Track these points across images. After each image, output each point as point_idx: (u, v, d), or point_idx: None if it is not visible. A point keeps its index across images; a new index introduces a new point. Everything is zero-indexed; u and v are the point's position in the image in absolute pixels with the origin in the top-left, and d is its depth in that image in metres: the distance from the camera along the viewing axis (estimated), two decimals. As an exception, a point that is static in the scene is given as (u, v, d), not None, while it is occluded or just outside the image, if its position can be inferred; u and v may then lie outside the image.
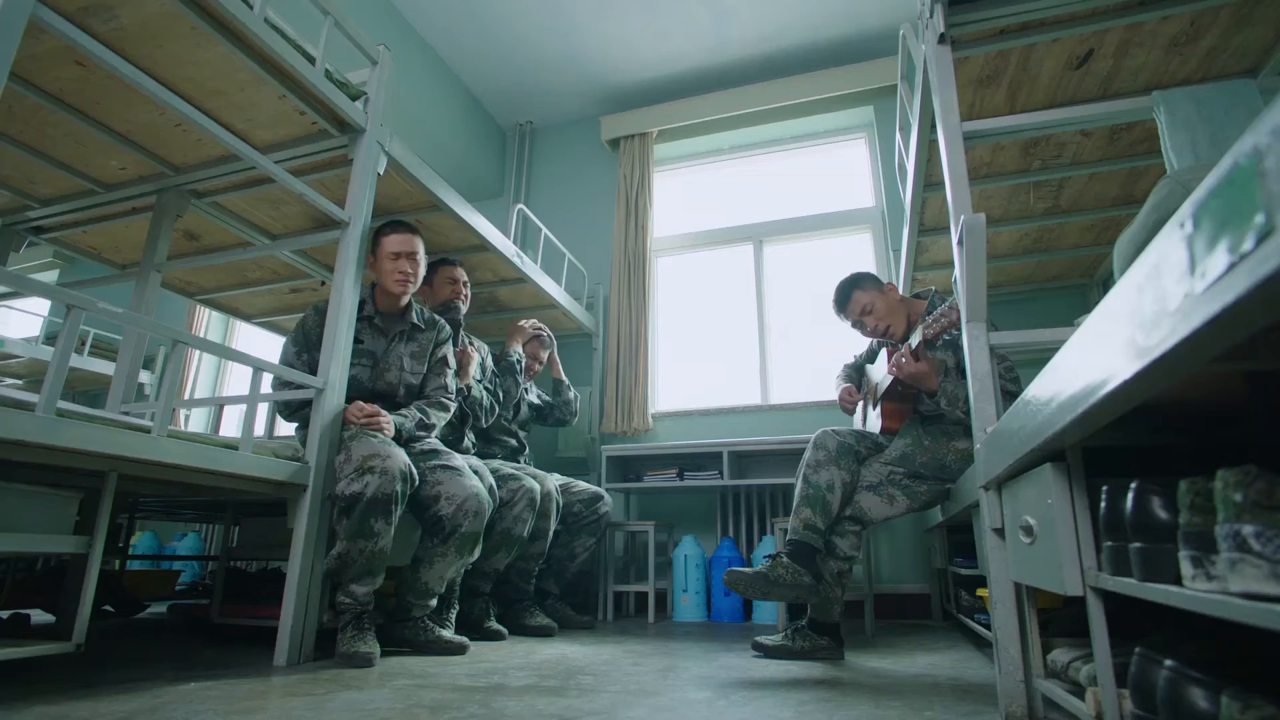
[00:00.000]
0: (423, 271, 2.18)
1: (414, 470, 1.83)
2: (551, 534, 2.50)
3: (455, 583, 2.09)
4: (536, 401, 3.12)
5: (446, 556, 1.88)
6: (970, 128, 1.48)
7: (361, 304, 2.07)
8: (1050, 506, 0.86)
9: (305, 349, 2.00)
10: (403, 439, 1.99)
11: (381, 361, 2.10)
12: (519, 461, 2.85)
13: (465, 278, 2.59)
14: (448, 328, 2.29)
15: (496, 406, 2.67)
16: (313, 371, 1.93)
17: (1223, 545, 0.53)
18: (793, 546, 1.81)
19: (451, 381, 2.24)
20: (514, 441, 2.89)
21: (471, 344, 2.67)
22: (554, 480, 2.62)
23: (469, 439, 2.57)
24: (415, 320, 2.19)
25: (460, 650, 1.85)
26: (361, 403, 1.93)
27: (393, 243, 2.09)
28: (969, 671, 1.63)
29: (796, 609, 2.76)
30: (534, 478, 2.46)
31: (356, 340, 2.04)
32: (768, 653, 1.88)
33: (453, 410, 2.22)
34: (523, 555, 2.44)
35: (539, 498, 2.34)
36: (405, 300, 2.15)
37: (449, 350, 2.26)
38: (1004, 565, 1.18)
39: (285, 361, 1.99)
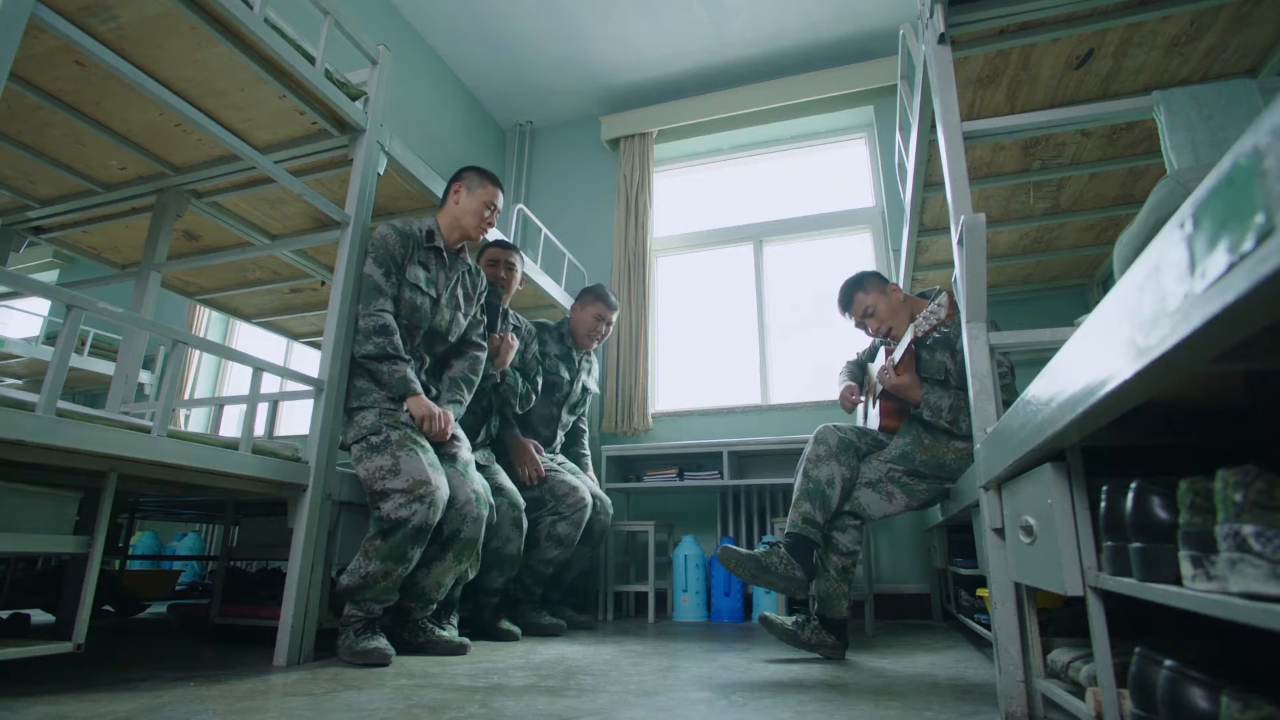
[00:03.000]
0: None
1: (448, 495, 1.84)
2: (576, 540, 2.47)
3: (457, 589, 2.08)
4: (594, 387, 2.98)
5: (444, 562, 1.87)
6: (970, 128, 1.48)
7: (430, 234, 2.07)
8: (1050, 506, 0.86)
9: (393, 269, 1.97)
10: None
11: (442, 296, 2.08)
12: (553, 451, 2.78)
13: (512, 262, 2.53)
14: (486, 280, 2.30)
15: (534, 394, 2.60)
16: (398, 292, 1.96)
17: (1223, 545, 0.53)
18: (791, 540, 1.82)
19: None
20: (546, 431, 2.76)
21: (517, 329, 2.61)
22: (587, 484, 2.58)
23: (490, 429, 2.49)
24: (469, 263, 2.21)
25: (460, 651, 1.85)
26: (431, 406, 1.91)
27: (492, 194, 2.12)
28: (969, 671, 1.63)
29: (797, 604, 2.76)
30: (559, 484, 2.46)
31: (424, 268, 2.04)
32: (771, 628, 1.87)
33: (483, 361, 2.22)
34: (543, 560, 2.43)
35: (523, 514, 2.27)
36: (462, 244, 2.17)
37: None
38: (1004, 565, 1.18)
39: (372, 286, 1.93)
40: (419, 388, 1.93)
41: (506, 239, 2.64)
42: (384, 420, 1.86)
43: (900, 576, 3.08)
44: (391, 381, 1.89)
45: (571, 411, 2.85)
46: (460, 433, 2.09)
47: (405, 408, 1.90)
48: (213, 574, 3.06)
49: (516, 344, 2.45)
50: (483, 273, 2.29)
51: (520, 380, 2.53)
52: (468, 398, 2.13)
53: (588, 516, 2.50)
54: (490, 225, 2.14)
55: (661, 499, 3.50)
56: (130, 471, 1.44)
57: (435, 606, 1.94)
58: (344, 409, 1.93)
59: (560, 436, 2.82)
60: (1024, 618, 1.14)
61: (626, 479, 3.26)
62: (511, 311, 2.60)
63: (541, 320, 2.92)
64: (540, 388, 2.65)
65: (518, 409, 2.54)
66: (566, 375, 2.79)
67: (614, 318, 2.85)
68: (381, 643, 1.69)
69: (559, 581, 2.67)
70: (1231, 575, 0.51)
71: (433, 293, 2.04)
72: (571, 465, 2.79)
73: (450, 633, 1.98)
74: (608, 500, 2.76)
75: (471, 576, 2.07)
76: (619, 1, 3.57)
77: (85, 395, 4.43)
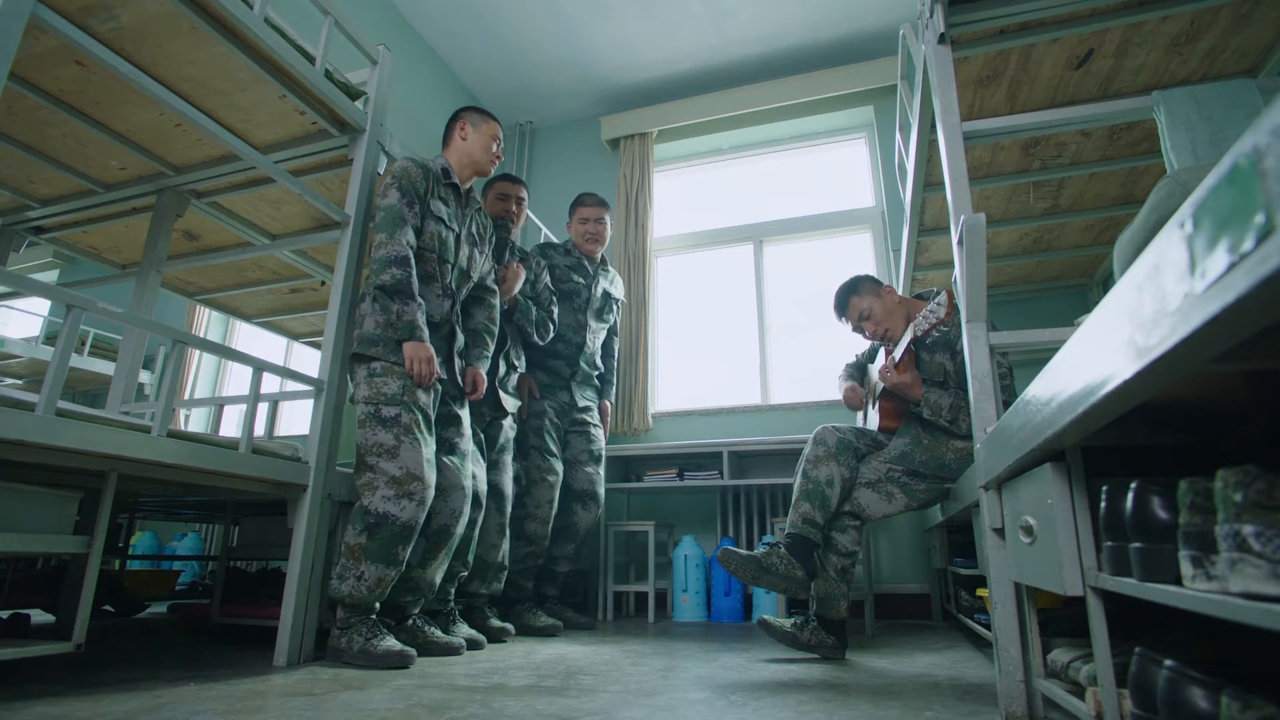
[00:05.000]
0: None
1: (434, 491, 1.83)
2: (546, 536, 2.51)
3: (451, 587, 2.08)
4: (619, 295, 2.96)
5: (437, 558, 1.88)
6: (970, 128, 1.48)
7: (446, 171, 2.07)
8: (1050, 506, 0.86)
9: (415, 200, 1.93)
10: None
11: (460, 232, 2.08)
12: (590, 364, 2.79)
13: (522, 196, 2.58)
14: (492, 222, 2.31)
15: (550, 322, 2.58)
16: (421, 224, 1.94)
17: (1223, 545, 0.53)
18: (791, 540, 1.83)
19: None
20: (576, 338, 2.74)
21: (524, 260, 2.60)
22: (587, 476, 2.63)
23: (511, 359, 2.45)
24: (478, 202, 2.22)
25: (457, 651, 1.85)
26: (426, 349, 1.84)
27: (496, 129, 2.15)
28: (969, 671, 1.63)
29: (797, 605, 2.76)
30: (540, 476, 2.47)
31: (443, 202, 2.03)
32: (770, 631, 1.88)
33: (498, 308, 2.25)
34: (517, 557, 2.47)
35: (508, 520, 2.30)
36: (471, 184, 2.17)
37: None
38: (1004, 565, 1.18)
39: (397, 215, 1.87)
40: (425, 335, 1.84)
41: (512, 175, 2.69)
42: (404, 396, 1.80)
43: (900, 576, 3.08)
44: (400, 324, 1.81)
45: (599, 318, 2.86)
46: (466, 415, 2.07)
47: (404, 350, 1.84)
48: (213, 574, 3.06)
49: (524, 273, 2.46)
50: (488, 215, 2.29)
51: (534, 308, 2.52)
52: (491, 348, 2.18)
53: (553, 513, 2.53)
54: (499, 158, 2.16)
55: (661, 499, 3.50)
56: (130, 471, 1.44)
57: (426, 601, 1.93)
58: (359, 355, 1.84)
59: (592, 344, 2.82)
60: (1024, 618, 1.14)
61: (626, 479, 3.26)
62: (516, 244, 2.61)
63: (544, 241, 2.98)
64: (557, 315, 2.65)
65: (537, 338, 2.53)
66: (582, 280, 2.81)
67: (604, 214, 2.87)
68: (398, 644, 1.67)
69: (552, 577, 2.68)
70: (1231, 575, 0.51)
71: (455, 228, 2.05)
72: (587, 443, 2.76)
73: (461, 625, 1.99)
74: (600, 494, 2.73)
75: (464, 576, 2.09)
76: (619, 1, 3.57)
77: (85, 395, 4.43)
